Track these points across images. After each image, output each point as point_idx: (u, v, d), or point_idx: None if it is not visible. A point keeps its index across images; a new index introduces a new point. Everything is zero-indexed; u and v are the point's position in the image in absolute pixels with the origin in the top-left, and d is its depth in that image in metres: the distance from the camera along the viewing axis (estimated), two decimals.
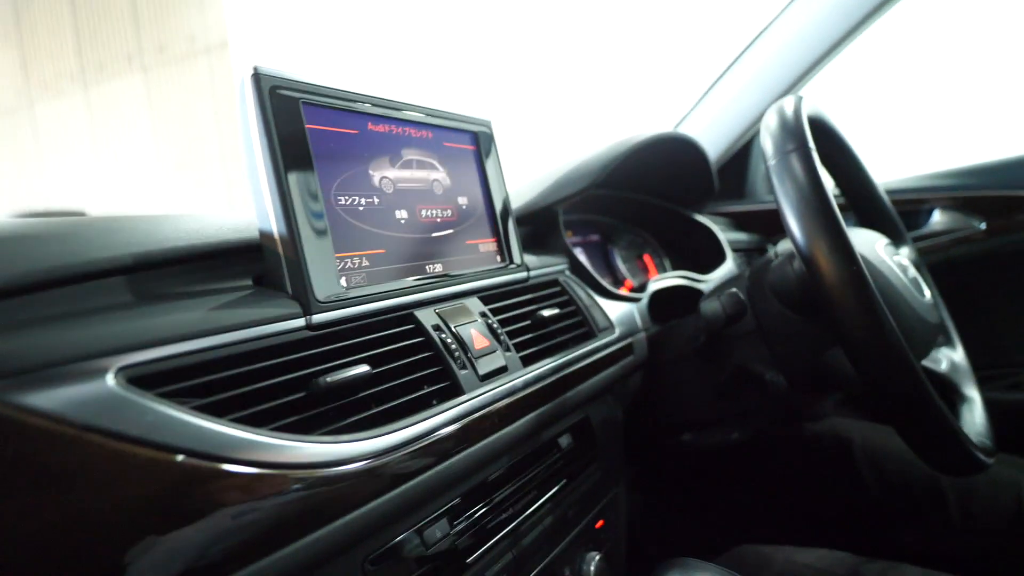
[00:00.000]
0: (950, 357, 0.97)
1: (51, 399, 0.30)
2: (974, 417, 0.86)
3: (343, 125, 0.53)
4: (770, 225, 1.45)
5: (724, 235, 1.28)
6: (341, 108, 0.53)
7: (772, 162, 0.72)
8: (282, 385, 0.42)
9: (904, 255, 1.00)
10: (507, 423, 0.56)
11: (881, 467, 1.04)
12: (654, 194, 1.26)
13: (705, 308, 0.84)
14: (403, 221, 0.57)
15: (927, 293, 0.89)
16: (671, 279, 1.08)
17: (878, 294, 0.64)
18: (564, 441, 0.69)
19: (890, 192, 1.32)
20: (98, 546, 0.30)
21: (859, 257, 0.66)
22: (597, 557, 0.68)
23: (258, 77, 0.46)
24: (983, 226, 1.24)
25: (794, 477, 1.10)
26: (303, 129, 0.49)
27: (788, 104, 0.77)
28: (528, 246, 0.88)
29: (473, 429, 0.52)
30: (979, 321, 1.32)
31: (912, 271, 0.88)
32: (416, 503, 0.47)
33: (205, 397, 0.37)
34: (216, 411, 0.37)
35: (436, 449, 0.48)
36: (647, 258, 1.27)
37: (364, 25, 4.49)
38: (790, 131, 0.72)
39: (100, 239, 0.41)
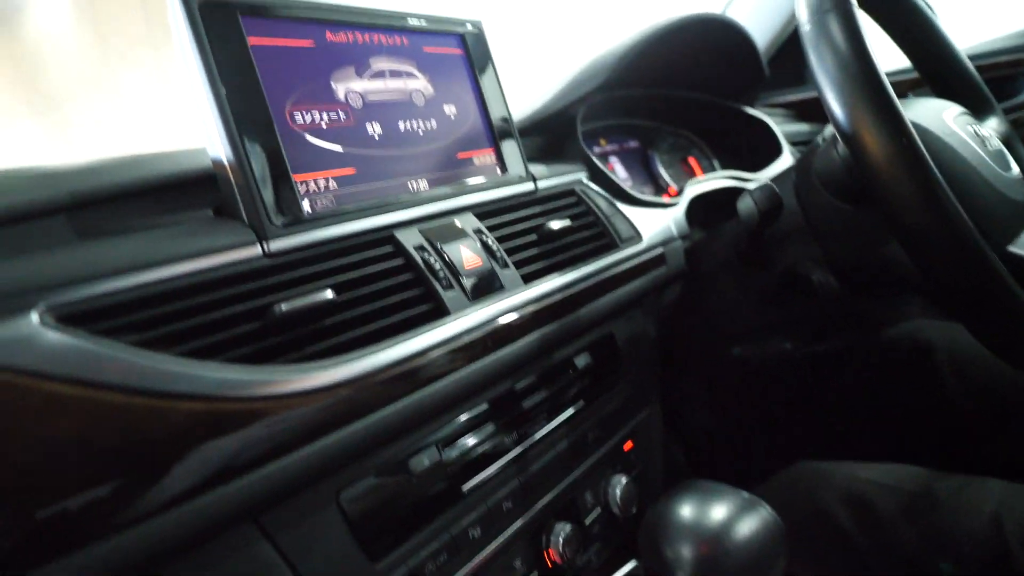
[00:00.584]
0: None
1: None
2: None
3: (294, 36, 0.49)
4: None
5: (780, 127, 1.16)
6: (289, 17, 0.49)
7: (806, 28, 0.62)
8: (235, 317, 0.40)
9: (990, 126, 0.87)
10: (502, 344, 0.53)
11: (965, 374, 0.94)
12: (696, 88, 1.15)
13: (740, 207, 0.76)
14: (377, 137, 0.53)
15: (1014, 168, 0.77)
16: (713, 181, 0.99)
17: (936, 170, 0.55)
18: (581, 360, 0.65)
19: (978, 56, 1.14)
20: (27, 491, 0.30)
21: (914, 128, 0.57)
22: (624, 480, 0.65)
23: None
24: None
25: (863, 389, 1.02)
26: (245, 45, 0.45)
27: None
28: (544, 156, 0.82)
29: (460, 352, 0.49)
30: None
31: (996, 143, 0.75)
32: (392, 433, 0.45)
33: (145, 334, 0.36)
34: (158, 346, 0.36)
35: (412, 376, 0.45)
36: (692, 161, 1.17)
37: None
38: None
39: (33, 181, 0.40)
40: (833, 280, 0.73)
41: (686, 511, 0.44)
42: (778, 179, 0.85)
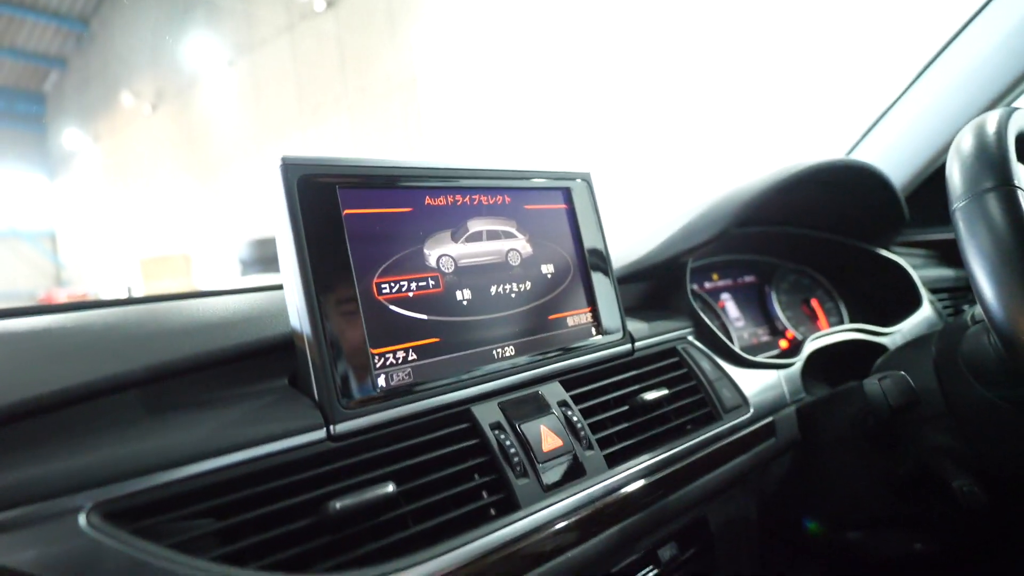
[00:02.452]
0: None
1: (19, 548, 0.29)
2: None
3: (393, 204, 0.49)
4: None
5: (919, 272, 1.04)
6: (388, 187, 0.49)
7: (959, 204, 0.55)
8: (289, 511, 0.38)
9: None
10: (576, 543, 0.47)
11: None
12: (824, 228, 1.07)
13: (868, 387, 0.66)
14: (466, 303, 0.51)
15: None
16: (838, 334, 0.89)
17: None
18: (666, 553, 0.58)
19: None
20: None
21: None
22: None
23: (286, 167, 0.43)
24: None
25: None
26: (339, 216, 0.45)
27: (990, 121, 0.59)
28: (646, 304, 0.77)
29: (523, 551, 0.44)
30: None
31: None
32: None
33: (189, 532, 0.34)
34: (201, 543, 0.34)
35: None
36: (815, 303, 1.07)
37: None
38: (988, 161, 0.55)
39: (125, 350, 0.41)
40: (977, 490, 0.61)
41: None
42: (915, 347, 0.75)
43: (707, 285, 1.00)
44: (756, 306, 1.04)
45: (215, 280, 6.87)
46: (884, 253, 1.06)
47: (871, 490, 0.73)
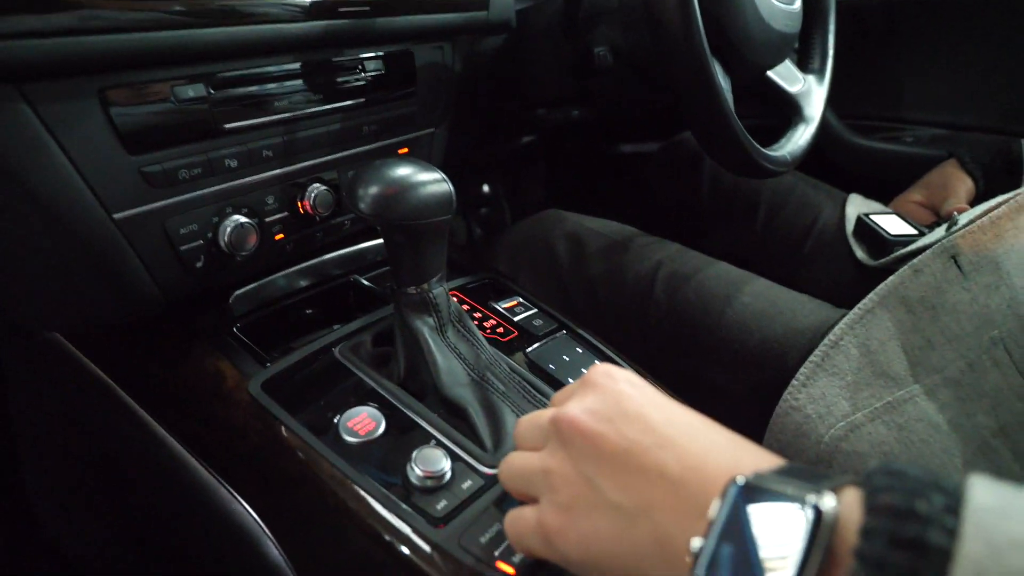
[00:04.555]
0: (811, 83, 0.99)
1: None
2: (798, 135, 0.92)
3: None
4: None
5: None
6: None
7: None
8: None
9: None
10: (294, 16, 0.60)
11: (717, 176, 1.13)
12: None
13: None
14: None
15: (797, 1, 0.88)
16: None
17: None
18: (372, 65, 0.74)
19: None
20: None
21: None
22: None
23: None
24: None
25: (629, 166, 1.20)
26: None
27: None
28: None
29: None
30: (888, 67, 1.31)
31: None
32: (161, 58, 0.53)
33: None
34: None
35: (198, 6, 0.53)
36: None
37: None
38: None
39: None
40: (609, 55, 0.84)
41: (388, 167, 0.57)
42: None
43: None
44: None
45: None
46: None
47: (555, 73, 0.95)
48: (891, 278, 0.68)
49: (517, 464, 0.41)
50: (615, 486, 0.34)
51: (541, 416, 0.42)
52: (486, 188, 1.43)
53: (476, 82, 0.94)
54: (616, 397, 0.37)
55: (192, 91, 0.57)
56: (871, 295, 0.68)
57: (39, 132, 0.50)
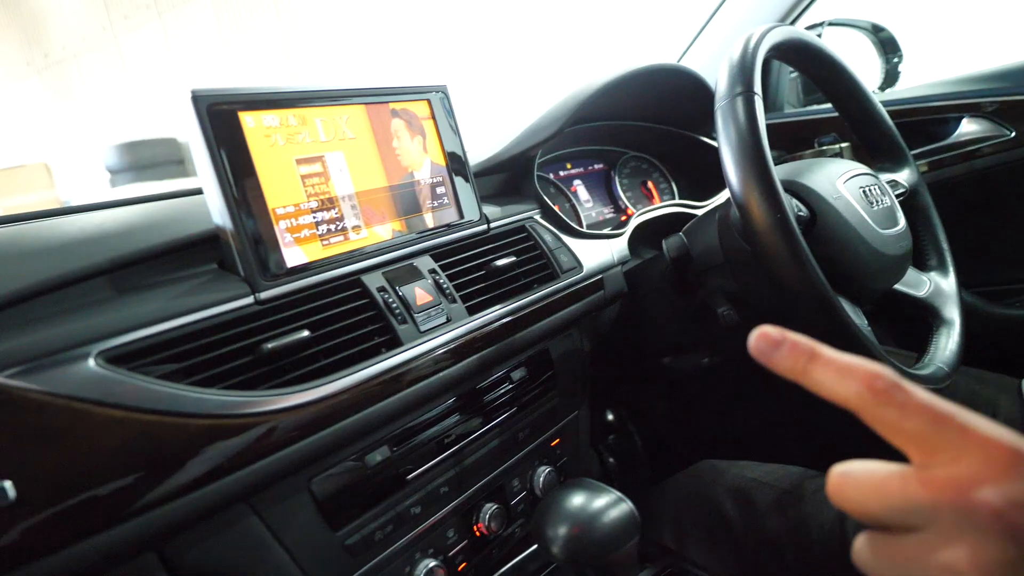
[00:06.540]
0: (937, 282, 0.98)
1: (44, 381, 0.44)
2: (943, 343, 0.89)
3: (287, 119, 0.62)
4: (794, 139, 1.41)
5: None
6: (281, 106, 0.62)
7: (720, 104, 0.74)
8: (235, 353, 0.54)
9: (902, 176, 0.99)
10: (444, 367, 0.67)
11: None
12: (659, 121, 1.27)
13: (664, 245, 0.89)
14: (351, 196, 0.67)
15: (900, 222, 0.90)
16: (659, 209, 1.12)
17: (800, 238, 0.69)
18: (517, 374, 0.80)
19: (911, 100, 1.26)
20: (84, 485, 0.44)
21: (808, 191, 0.74)
22: (547, 470, 0.80)
23: (196, 99, 0.55)
24: (1012, 134, 1.17)
25: (765, 399, 1.16)
26: (243, 134, 0.58)
27: (752, 38, 0.77)
28: (502, 194, 0.95)
29: (408, 374, 0.63)
30: (1003, 234, 1.28)
31: (887, 200, 0.88)
32: (352, 437, 0.59)
33: (166, 370, 0.50)
34: (177, 377, 0.50)
35: (368, 395, 0.60)
36: (651, 184, 1.30)
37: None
38: (740, 72, 0.74)
39: (81, 247, 0.54)
40: (735, 313, 0.86)
41: (567, 501, 0.58)
42: (707, 215, 0.98)
43: (561, 173, 1.19)
44: (603, 189, 1.25)
45: (82, 191, 6.35)
46: (706, 140, 1.29)
47: (674, 324, 0.99)
48: None
49: None
50: None
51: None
52: (610, 416, 1.43)
53: (605, 352, 0.98)
54: None
55: (379, 455, 0.63)
56: None
57: (264, 535, 0.55)
